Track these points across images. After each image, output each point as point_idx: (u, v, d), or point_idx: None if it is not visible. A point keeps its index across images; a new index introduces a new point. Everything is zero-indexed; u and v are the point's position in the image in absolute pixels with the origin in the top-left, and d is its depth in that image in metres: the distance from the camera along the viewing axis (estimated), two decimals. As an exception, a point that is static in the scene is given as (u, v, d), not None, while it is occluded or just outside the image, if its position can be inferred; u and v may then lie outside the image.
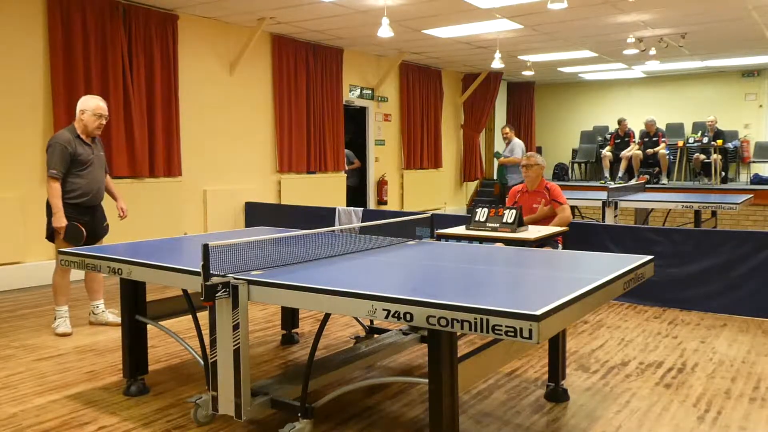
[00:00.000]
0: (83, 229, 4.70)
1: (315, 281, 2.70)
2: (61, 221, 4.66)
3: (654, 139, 12.14)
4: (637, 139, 12.48)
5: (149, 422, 3.23)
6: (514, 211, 4.74)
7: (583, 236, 5.97)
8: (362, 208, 8.11)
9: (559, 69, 13.14)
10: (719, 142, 11.99)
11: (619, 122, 12.47)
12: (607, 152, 12.68)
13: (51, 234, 4.79)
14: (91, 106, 4.76)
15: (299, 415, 2.90)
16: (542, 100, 15.87)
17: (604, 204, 7.92)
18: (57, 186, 4.67)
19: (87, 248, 3.91)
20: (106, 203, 5.09)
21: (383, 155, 11.83)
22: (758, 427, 3.17)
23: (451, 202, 13.71)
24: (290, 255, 3.31)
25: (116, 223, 5.19)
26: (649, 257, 3.23)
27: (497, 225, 4.75)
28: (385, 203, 11.67)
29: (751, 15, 8.28)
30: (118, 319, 4.57)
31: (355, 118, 11.47)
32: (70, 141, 4.70)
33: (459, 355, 2.59)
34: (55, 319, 4.92)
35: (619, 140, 12.55)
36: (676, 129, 13.76)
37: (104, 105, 4.84)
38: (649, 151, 12.05)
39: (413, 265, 3.30)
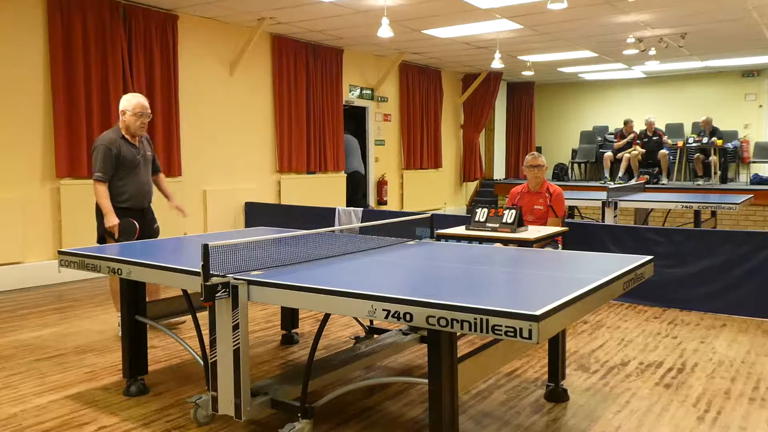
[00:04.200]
0: (136, 223, 4.56)
1: (315, 281, 2.70)
2: (112, 220, 4.54)
3: (654, 138, 12.14)
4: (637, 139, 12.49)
5: (149, 422, 3.23)
6: (513, 212, 4.74)
7: (583, 236, 5.97)
8: (362, 209, 8.11)
9: (559, 69, 13.14)
10: (719, 142, 11.98)
11: (625, 123, 12.48)
12: (610, 152, 12.64)
13: (102, 236, 4.68)
14: (131, 105, 4.61)
15: (299, 415, 2.90)
16: (542, 100, 15.88)
17: (604, 204, 7.92)
18: (103, 188, 4.56)
19: (87, 248, 3.91)
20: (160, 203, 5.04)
21: (383, 155, 11.83)
22: (758, 427, 3.17)
23: (451, 202, 13.71)
24: (290, 255, 3.31)
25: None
26: (649, 257, 3.23)
27: (497, 225, 4.75)
28: (385, 203, 11.67)
29: (751, 15, 8.28)
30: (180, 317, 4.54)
31: (355, 118, 11.46)
32: (114, 142, 4.58)
33: (459, 355, 2.59)
34: (118, 325, 4.65)
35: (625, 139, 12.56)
36: (676, 129, 13.77)
37: (145, 103, 4.69)
38: (663, 152, 12.02)
39: (413, 265, 3.30)
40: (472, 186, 14.62)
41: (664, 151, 12.09)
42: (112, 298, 4.93)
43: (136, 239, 4.62)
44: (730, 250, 5.40)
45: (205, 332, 2.98)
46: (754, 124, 13.41)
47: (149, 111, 4.73)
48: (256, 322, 5.13)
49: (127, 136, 4.67)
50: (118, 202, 4.64)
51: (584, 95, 15.62)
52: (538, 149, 14.90)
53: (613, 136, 13.52)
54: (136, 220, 4.68)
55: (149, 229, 4.85)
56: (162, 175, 5.11)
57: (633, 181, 11.45)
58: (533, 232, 4.81)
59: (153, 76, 7.66)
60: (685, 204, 7.94)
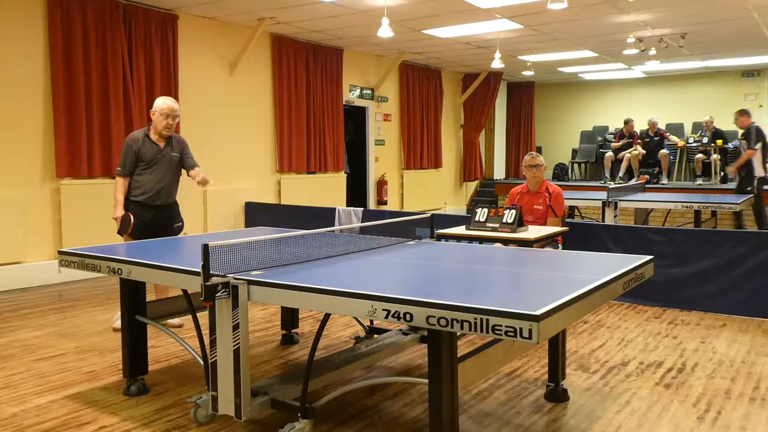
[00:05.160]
0: (131, 218, 4.79)
1: (315, 281, 2.70)
2: (116, 212, 4.84)
3: (655, 138, 12.13)
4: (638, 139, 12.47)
5: (149, 422, 3.23)
6: (514, 211, 4.74)
7: (583, 236, 5.97)
8: (362, 208, 8.11)
9: (559, 69, 13.14)
10: (719, 142, 11.97)
11: (626, 122, 12.47)
12: (611, 152, 12.63)
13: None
14: (158, 107, 4.84)
15: (299, 415, 2.90)
16: (542, 100, 15.87)
17: (604, 204, 7.92)
18: (120, 181, 4.85)
19: (87, 248, 3.91)
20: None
21: (383, 155, 11.83)
22: (758, 427, 3.17)
23: (451, 202, 13.71)
24: (290, 255, 3.31)
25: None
26: (649, 257, 3.23)
27: (497, 225, 4.75)
28: (385, 203, 11.67)
29: (751, 15, 8.28)
30: (175, 321, 4.71)
31: (355, 118, 11.46)
32: (137, 140, 4.84)
33: (459, 355, 2.59)
34: (117, 313, 4.94)
35: (623, 140, 12.55)
36: (676, 129, 13.75)
37: (174, 105, 4.89)
38: (663, 151, 12.01)
39: (413, 265, 3.30)
40: (472, 186, 14.62)
41: (664, 151, 12.08)
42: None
43: (150, 237, 4.76)
44: (730, 250, 5.40)
45: (205, 332, 2.98)
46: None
47: (177, 113, 4.92)
48: (256, 322, 5.13)
49: (153, 136, 4.87)
50: (133, 196, 4.89)
51: (584, 95, 15.61)
52: (538, 149, 14.91)
53: (612, 136, 13.51)
54: (149, 216, 4.91)
55: (163, 227, 4.97)
56: (197, 169, 5.02)
57: (633, 181, 11.45)
58: (533, 232, 4.80)
59: (153, 76, 7.65)
60: (685, 204, 7.95)
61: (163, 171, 4.91)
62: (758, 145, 9.08)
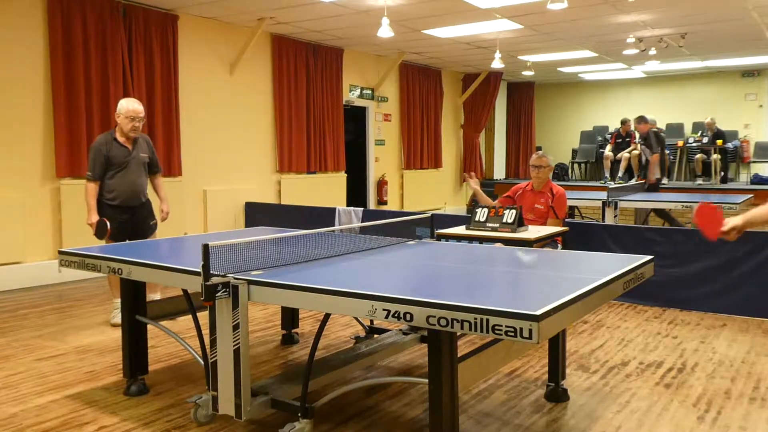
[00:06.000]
0: (107, 224, 4.81)
1: (315, 281, 2.70)
2: (90, 218, 4.86)
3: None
4: (637, 139, 12.46)
5: (149, 422, 3.23)
6: (513, 211, 4.74)
7: (583, 236, 5.97)
8: (362, 208, 8.11)
9: (559, 69, 13.14)
10: (719, 142, 11.99)
11: (622, 122, 12.46)
12: (608, 152, 12.65)
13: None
14: (124, 109, 4.89)
15: (299, 415, 2.90)
16: (542, 100, 15.88)
17: (604, 204, 7.93)
18: (91, 186, 4.88)
19: (87, 248, 3.90)
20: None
21: (383, 155, 11.83)
22: (758, 427, 3.17)
23: (451, 202, 13.71)
24: (290, 255, 3.31)
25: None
26: (649, 257, 3.23)
27: (497, 225, 4.75)
28: (385, 203, 11.67)
29: (751, 15, 8.28)
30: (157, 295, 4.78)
31: (355, 118, 11.46)
32: (104, 144, 4.88)
33: (459, 355, 2.59)
34: (113, 311, 5.06)
35: (620, 140, 12.54)
36: (676, 129, 13.77)
37: (139, 107, 4.94)
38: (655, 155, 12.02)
39: (413, 265, 3.30)
40: (472, 186, 14.60)
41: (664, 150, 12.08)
42: (109, 285, 5.17)
43: (128, 238, 4.85)
44: (730, 250, 5.40)
45: (206, 332, 2.98)
46: (754, 124, 13.41)
47: (142, 116, 4.97)
48: (256, 322, 5.13)
49: (120, 139, 4.93)
50: (108, 200, 4.93)
51: (584, 95, 15.62)
52: (539, 149, 14.90)
53: (610, 136, 13.51)
54: (126, 217, 4.97)
55: (141, 227, 5.06)
56: (159, 177, 5.32)
57: (633, 181, 11.45)
58: (533, 232, 4.80)
59: (153, 76, 7.65)
60: (685, 204, 7.95)
61: (135, 172, 4.99)
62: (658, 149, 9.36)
